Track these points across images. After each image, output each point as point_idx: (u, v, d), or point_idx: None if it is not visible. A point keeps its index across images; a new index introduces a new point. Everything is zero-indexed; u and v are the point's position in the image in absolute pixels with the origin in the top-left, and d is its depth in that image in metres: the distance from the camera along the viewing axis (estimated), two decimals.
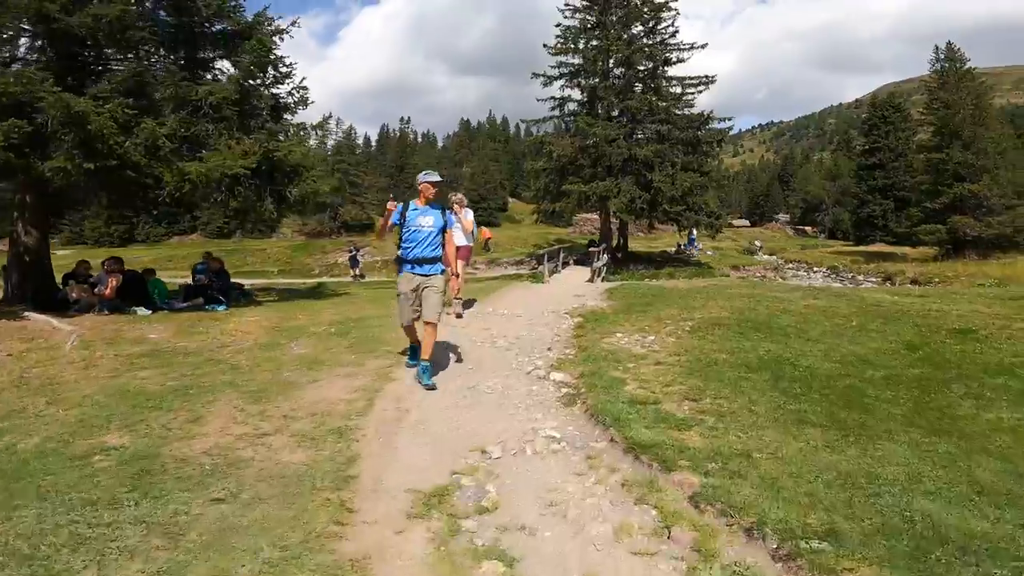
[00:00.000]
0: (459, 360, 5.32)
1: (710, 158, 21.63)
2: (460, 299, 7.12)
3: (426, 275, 4.55)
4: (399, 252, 4.68)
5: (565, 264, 18.14)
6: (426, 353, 4.51)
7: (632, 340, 5.87)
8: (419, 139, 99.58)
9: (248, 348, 5.89)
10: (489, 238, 33.22)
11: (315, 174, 8.91)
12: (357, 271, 24.37)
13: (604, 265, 16.85)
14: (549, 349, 5.80)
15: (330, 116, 11.28)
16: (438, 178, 4.68)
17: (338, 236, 47.05)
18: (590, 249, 15.55)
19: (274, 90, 10.92)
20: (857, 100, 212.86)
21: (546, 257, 14.97)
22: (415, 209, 4.60)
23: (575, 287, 10.71)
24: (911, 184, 41.61)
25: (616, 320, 6.77)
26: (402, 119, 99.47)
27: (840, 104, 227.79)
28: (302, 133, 9.45)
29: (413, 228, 4.56)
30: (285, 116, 9.95)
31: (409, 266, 4.58)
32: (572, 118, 21.69)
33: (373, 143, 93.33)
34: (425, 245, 4.56)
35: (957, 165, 28.94)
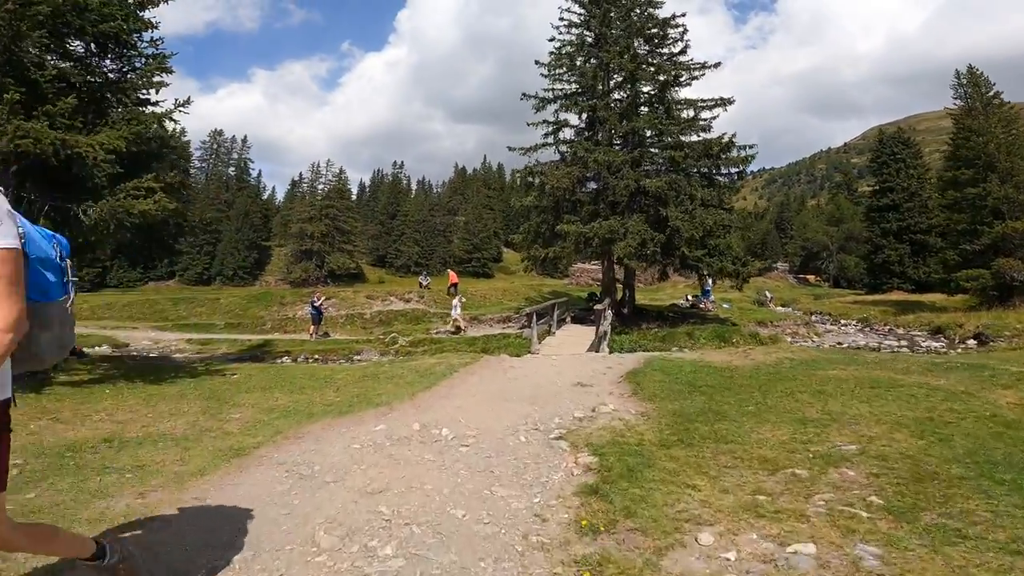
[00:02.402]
0: None
1: (731, 191, 18.27)
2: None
3: None
4: None
5: (561, 322, 14.41)
6: None
7: (744, 564, 2.13)
8: (414, 186, 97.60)
9: None
10: (455, 283, 28.24)
11: (142, 184, 5.36)
12: (316, 328, 20.56)
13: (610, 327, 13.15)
14: None
15: (188, 100, 7.07)
16: None
17: (325, 285, 44.01)
18: (594, 307, 11.88)
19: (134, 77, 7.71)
20: (845, 144, 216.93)
21: (535, 316, 11.05)
22: None
23: (575, 363, 6.97)
24: (928, 226, 38.74)
25: (672, 467, 3.04)
26: (395, 163, 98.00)
27: (829, 149, 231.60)
28: (140, 121, 6.00)
29: None
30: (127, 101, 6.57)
31: None
32: (568, 146, 18.46)
33: (367, 189, 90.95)
34: None
35: (996, 200, 25.94)
